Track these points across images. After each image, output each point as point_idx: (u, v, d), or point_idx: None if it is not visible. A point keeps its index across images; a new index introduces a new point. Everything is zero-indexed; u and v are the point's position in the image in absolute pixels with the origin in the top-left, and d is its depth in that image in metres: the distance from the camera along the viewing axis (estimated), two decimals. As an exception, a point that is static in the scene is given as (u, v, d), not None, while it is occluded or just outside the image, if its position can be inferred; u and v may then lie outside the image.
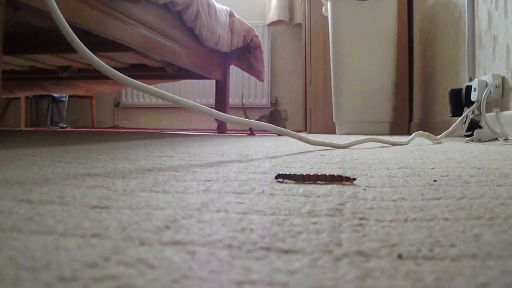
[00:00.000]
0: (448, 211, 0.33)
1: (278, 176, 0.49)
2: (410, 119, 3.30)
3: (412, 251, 0.23)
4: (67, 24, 0.75)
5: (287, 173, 0.49)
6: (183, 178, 0.49)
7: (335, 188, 0.43)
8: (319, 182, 0.47)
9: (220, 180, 0.48)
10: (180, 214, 0.31)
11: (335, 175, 0.47)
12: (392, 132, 2.77)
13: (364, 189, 0.43)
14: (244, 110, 2.59)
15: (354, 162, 0.72)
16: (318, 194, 0.40)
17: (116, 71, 0.75)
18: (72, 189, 0.41)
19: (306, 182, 0.47)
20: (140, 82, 0.77)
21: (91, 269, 0.19)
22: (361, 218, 0.30)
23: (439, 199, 0.38)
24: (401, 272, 0.19)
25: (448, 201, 0.37)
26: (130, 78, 0.76)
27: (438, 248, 0.23)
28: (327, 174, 0.47)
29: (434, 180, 0.50)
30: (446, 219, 0.30)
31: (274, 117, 2.53)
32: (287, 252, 0.22)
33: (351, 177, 0.47)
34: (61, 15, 0.75)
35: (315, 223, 0.28)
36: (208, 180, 0.48)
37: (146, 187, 0.43)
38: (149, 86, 0.78)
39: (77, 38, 0.74)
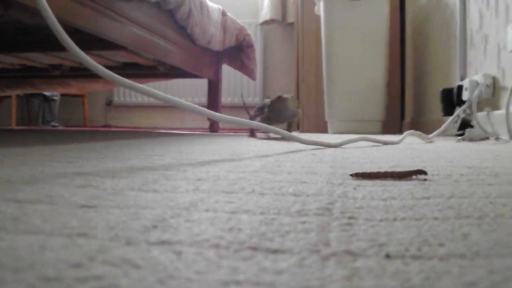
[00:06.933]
0: (438, 210, 0.33)
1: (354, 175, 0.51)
2: (402, 118, 3.31)
3: (400, 250, 0.23)
4: (58, 22, 0.74)
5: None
6: (173, 177, 0.49)
7: (325, 187, 0.43)
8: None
9: (210, 179, 0.48)
10: (168, 213, 0.31)
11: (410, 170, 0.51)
12: (384, 131, 2.77)
13: (354, 188, 0.43)
14: (246, 108, 2.10)
15: (346, 161, 0.72)
16: (308, 193, 0.39)
17: (106, 70, 0.74)
18: (61, 188, 0.41)
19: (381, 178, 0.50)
20: (130, 81, 0.77)
21: (75, 269, 0.19)
22: (350, 217, 0.30)
23: (428, 198, 0.38)
24: (389, 272, 0.19)
25: (438, 200, 0.37)
26: (120, 77, 0.76)
27: (426, 247, 0.23)
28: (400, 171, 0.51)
29: (425, 179, 0.50)
30: (435, 218, 0.30)
31: (279, 108, 1.72)
32: (274, 252, 0.22)
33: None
34: (52, 13, 0.75)
35: (303, 222, 0.28)
36: (198, 179, 0.48)
37: (135, 186, 0.42)
38: (140, 85, 0.78)
39: (68, 37, 0.74)
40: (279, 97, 1.73)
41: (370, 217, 0.30)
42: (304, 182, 0.47)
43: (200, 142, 1.27)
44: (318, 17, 2.90)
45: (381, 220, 0.29)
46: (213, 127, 2.75)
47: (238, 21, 2.72)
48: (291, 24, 3.83)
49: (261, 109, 1.80)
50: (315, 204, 0.34)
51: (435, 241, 0.25)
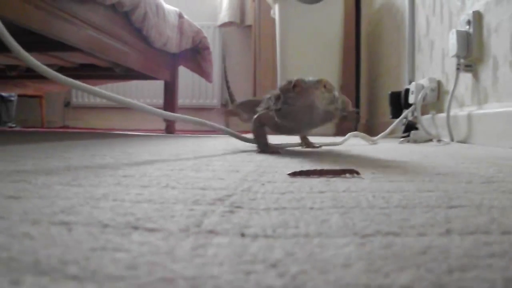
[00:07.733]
0: (320, 202, 0.37)
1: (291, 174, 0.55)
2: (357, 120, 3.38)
3: (257, 231, 0.27)
4: (2, 24, 0.77)
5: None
6: (103, 174, 0.53)
7: (236, 183, 0.48)
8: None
9: (136, 176, 0.52)
10: (80, 202, 0.35)
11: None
12: (339, 133, 2.83)
13: (263, 184, 0.47)
14: (231, 95, 1.42)
15: (275, 161, 0.76)
16: (215, 187, 0.44)
17: (51, 71, 0.77)
18: (-4, 183, 0.45)
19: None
20: (79, 82, 0.80)
21: (-20, 240, 0.24)
22: (236, 207, 0.34)
23: (323, 192, 0.42)
24: (233, 245, 0.24)
25: (329, 194, 0.41)
26: (63, 76, 0.79)
27: (281, 229, 0.28)
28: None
29: (332, 176, 0.55)
30: (311, 208, 0.35)
31: (295, 107, 0.85)
32: (151, 230, 0.27)
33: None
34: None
35: (192, 210, 0.33)
36: (125, 176, 0.52)
37: (64, 182, 0.46)
38: (90, 86, 0.80)
39: (12, 38, 0.77)
40: (296, 85, 0.83)
41: (255, 207, 0.35)
42: (221, 179, 0.51)
43: (150, 143, 1.30)
44: (275, 20, 2.95)
45: (263, 209, 0.34)
46: (169, 129, 2.78)
47: (196, 23, 2.76)
48: (249, 26, 3.88)
49: (277, 99, 0.91)
50: (214, 196, 0.39)
51: (293, 224, 0.29)
